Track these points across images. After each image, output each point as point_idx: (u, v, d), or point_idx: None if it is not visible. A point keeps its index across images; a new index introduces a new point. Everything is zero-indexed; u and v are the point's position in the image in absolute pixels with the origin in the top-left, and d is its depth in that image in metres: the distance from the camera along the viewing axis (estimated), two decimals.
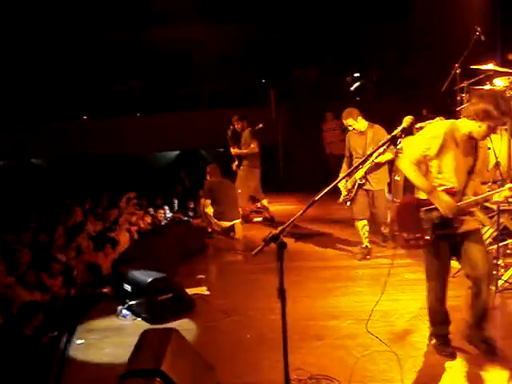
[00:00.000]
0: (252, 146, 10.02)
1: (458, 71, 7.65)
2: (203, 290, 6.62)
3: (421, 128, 9.02)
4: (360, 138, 7.35)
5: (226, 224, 9.28)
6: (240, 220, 9.52)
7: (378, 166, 7.27)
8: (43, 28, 15.68)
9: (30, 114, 16.48)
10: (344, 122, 7.44)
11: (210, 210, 9.33)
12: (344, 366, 4.59)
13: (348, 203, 7.45)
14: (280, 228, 3.06)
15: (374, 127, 7.41)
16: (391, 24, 14.43)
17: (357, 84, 17.33)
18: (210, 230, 9.41)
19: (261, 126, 10.37)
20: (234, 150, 10.23)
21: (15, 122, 16.28)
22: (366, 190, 7.39)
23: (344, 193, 7.43)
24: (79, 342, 5.45)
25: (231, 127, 10.38)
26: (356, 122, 7.30)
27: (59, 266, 7.23)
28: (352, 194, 7.37)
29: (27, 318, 5.50)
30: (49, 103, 16.75)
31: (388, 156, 7.27)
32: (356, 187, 7.33)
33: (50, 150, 16.81)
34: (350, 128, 7.38)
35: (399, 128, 3.38)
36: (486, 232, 6.81)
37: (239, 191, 9.81)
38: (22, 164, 17.71)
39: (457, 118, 7.81)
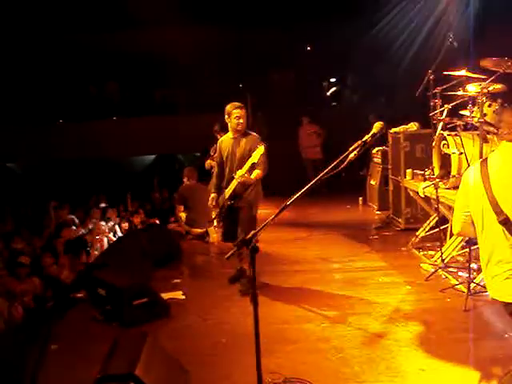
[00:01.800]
0: None
1: (431, 77, 7.74)
2: (179, 295, 6.61)
3: (396, 133, 9.16)
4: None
5: (198, 231, 9.31)
6: (214, 225, 9.54)
7: (243, 185, 6.36)
8: (18, 31, 15.55)
9: (4, 118, 16.32)
10: None
11: (182, 216, 9.34)
12: (318, 368, 4.62)
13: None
14: (252, 232, 3.08)
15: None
16: (368, 29, 14.55)
17: (333, 89, 17.47)
18: (184, 232, 9.42)
19: None
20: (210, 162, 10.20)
21: None
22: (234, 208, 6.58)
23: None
24: (53, 346, 5.41)
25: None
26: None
27: (25, 270, 7.19)
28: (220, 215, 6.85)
29: None
30: (24, 107, 16.62)
31: (256, 174, 6.34)
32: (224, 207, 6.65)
33: (25, 154, 16.68)
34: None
35: (369, 134, 3.43)
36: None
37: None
38: None
39: (430, 124, 7.99)
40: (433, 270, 6.56)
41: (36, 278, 7.29)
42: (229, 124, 6.54)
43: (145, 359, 3.95)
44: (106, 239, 9.57)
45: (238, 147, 6.49)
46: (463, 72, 7.42)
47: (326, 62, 16.27)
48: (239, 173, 6.19)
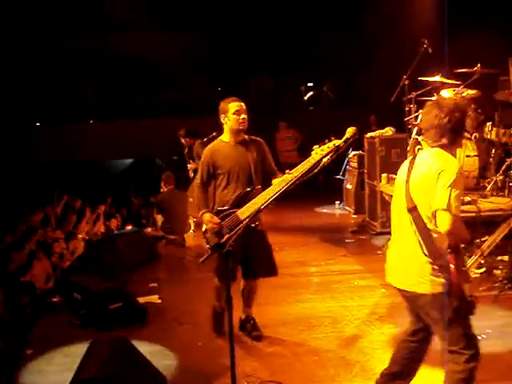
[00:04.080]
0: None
1: (406, 82, 7.84)
2: (155, 299, 6.61)
3: (372, 138, 9.25)
4: None
5: (174, 237, 9.34)
6: (190, 232, 9.56)
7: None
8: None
9: None
10: None
11: (159, 220, 9.39)
12: (294, 371, 4.67)
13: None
14: (227, 236, 3.11)
15: None
16: (343, 35, 14.68)
17: (310, 94, 17.55)
18: (160, 236, 9.44)
19: (214, 134, 10.41)
20: (191, 166, 10.23)
21: None
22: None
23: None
24: (29, 351, 5.38)
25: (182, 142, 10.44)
26: None
27: None
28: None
29: None
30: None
31: None
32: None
33: None
34: None
35: (342, 138, 3.47)
36: None
37: (191, 200, 9.82)
38: None
39: (404, 128, 8.09)
40: None
41: None
42: (226, 125, 5.08)
43: (120, 364, 3.96)
44: (81, 243, 9.48)
45: (245, 157, 5.03)
46: (437, 78, 7.55)
47: (303, 66, 16.38)
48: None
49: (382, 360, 4.71)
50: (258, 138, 5.22)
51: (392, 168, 8.51)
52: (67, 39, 16.03)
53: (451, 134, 3.42)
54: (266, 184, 4.93)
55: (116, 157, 17.96)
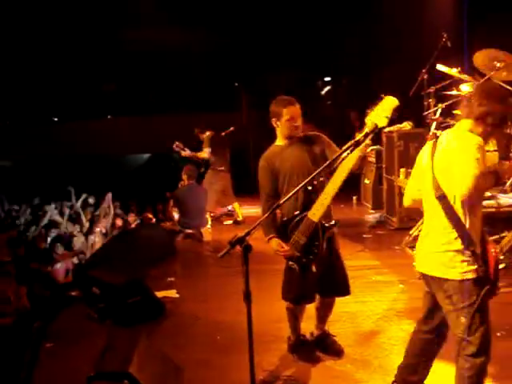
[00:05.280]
0: (205, 150, 10.11)
1: (425, 76, 7.78)
2: (173, 293, 6.63)
3: (390, 132, 9.18)
4: None
5: (191, 231, 9.36)
6: (207, 226, 9.56)
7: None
8: (19, 29, 15.53)
9: None
10: None
11: (175, 214, 9.42)
12: (312, 367, 4.65)
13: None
14: (245, 231, 3.10)
15: None
16: (360, 30, 14.60)
17: (327, 88, 17.49)
18: (178, 231, 9.47)
19: (231, 129, 10.47)
20: (184, 153, 10.35)
21: None
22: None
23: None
24: (48, 344, 5.43)
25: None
26: None
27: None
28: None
29: None
30: (20, 105, 16.62)
31: None
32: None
33: (14, 151, 16.67)
34: None
35: (362, 132, 3.44)
36: None
37: None
38: None
39: (423, 123, 8.02)
40: None
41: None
42: (278, 129, 4.59)
43: (139, 357, 3.97)
44: (98, 237, 9.54)
45: (303, 157, 4.53)
46: (454, 70, 7.47)
47: (322, 61, 16.33)
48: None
49: (400, 356, 4.62)
50: (314, 133, 4.74)
51: (410, 163, 8.42)
52: (86, 35, 16.12)
53: (491, 124, 3.36)
54: None
55: (133, 152, 18.06)
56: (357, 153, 3.93)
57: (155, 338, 4.76)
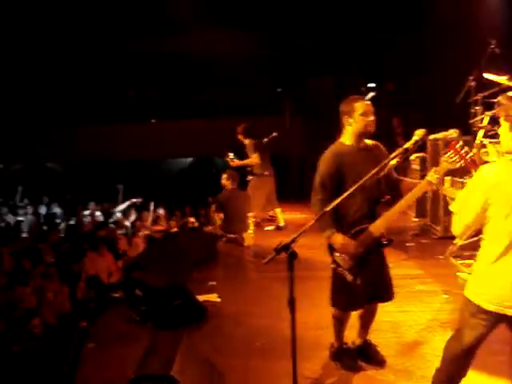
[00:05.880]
0: (253, 156, 10.06)
1: (472, 84, 7.65)
2: (214, 297, 6.65)
3: (435, 140, 9.06)
4: None
5: (233, 236, 9.38)
6: (249, 231, 9.56)
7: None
8: (61, 34, 15.86)
9: (43, 119, 16.68)
10: None
11: (218, 219, 9.45)
12: (354, 376, 4.61)
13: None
14: (291, 237, 3.09)
15: None
16: (406, 36, 14.46)
17: (371, 94, 17.34)
18: (220, 235, 9.50)
19: (275, 134, 10.47)
20: (233, 163, 10.28)
21: (29, 126, 16.52)
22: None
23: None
24: (91, 345, 5.50)
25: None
26: None
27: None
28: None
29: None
30: (63, 108, 16.94)
31: None
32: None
33: (64, 155, 17.01)
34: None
35: (411, 141, 3.41)
36: None
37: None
38: (37, 168, 17.96)
39: (469, 131, 7.88)
40: None
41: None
42: (350, 127, 4.48)
43: (180, 360, 4.00)
44: (143, 240, 9.66)
45: (371, 163, 4.21)
46: (503, 78, 7.32)
47: (364, 66, 16.23)
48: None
49: None
50: (377, 142, 4.64)
51: (455, 171, 8.30)
52: (131, 40, 16.35)
53: None
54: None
55: (176, 156, 18.22)
56: (433, 177, 4.10)
57: (196, 341, 4.78)
